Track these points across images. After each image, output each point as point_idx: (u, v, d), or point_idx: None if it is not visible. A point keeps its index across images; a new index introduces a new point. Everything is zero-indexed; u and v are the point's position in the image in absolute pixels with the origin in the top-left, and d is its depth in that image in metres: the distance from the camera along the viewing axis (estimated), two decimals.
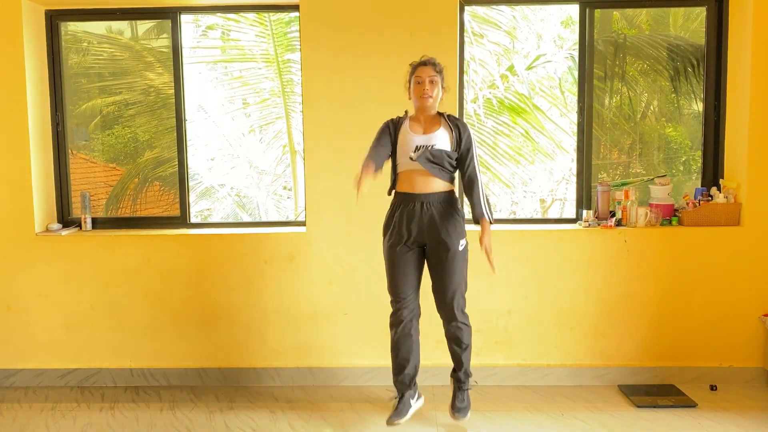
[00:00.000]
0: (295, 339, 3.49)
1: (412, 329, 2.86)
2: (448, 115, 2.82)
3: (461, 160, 2.77)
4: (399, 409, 2.85)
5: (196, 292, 3.49)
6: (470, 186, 2.78)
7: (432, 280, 2.84)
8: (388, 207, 2.88)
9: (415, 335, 2.88)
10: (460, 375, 2.93)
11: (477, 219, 2.79)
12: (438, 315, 2.89)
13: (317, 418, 3.08)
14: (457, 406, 2.90)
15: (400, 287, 2.81)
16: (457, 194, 2.89)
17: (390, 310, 2.92)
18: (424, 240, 2.77)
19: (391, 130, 2.79)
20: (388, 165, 2.83)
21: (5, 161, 3.45)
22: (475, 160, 2.79)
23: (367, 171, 2.56)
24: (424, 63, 2.77)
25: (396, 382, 2.92)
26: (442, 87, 2.79)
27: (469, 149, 2.76)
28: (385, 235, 2.86)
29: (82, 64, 3.96)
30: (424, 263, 2.87)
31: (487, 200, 2.83)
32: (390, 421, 2.83)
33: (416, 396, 2.93)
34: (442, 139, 2.74)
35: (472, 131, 2.83)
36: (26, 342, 3.54)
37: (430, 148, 2.70)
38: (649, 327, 3.42)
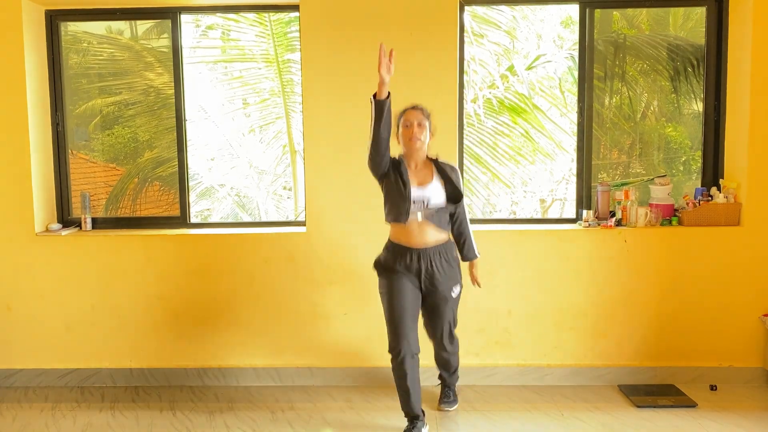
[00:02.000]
0: (295, 339, 3.49)
1: (415, 373, 2.75)
2: (437, 162, 2.81)
3: (451, 199, 2.78)
4: None
5: (196, 292, 3.50)
6: (462, 231, 2.90)
7: (423, 316, 2.93)
8: (382, 250, 2.87)
9: (416, 373, 2.77)
10: (448, 383, 3.18)
11: (469, 260, 2.97)
12: None
13: (317, 418, 3.08)
14: (444, 401, 3.15)
15: (402, 325, 2.71)
16: (452, 239, 2.90)
17: None
18: (420, 285, 2.80)
19: (395, 162, 2.76)
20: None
21: (5, 161, 3.45)
22: (464, 203, 2.86)
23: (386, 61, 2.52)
24: (412, 107, 2.77)
25: (410, 417, 2.82)
26: (430, 131, 2.79)
27: (459, 189, 2.79)
28: (380, 274, 2.86)
29: (82, 64, 3.96)
30: (420, 301, 2.84)
31: (472, 237, 2.95)
32: None
33: (425, 425, 2.85)
34: (436, 191, 2.73)
35: (458, 170, 2.86)
36: (26, 342, 3.54)
37: (426, 203, 2.71)
38: (649, 327, 3.43)
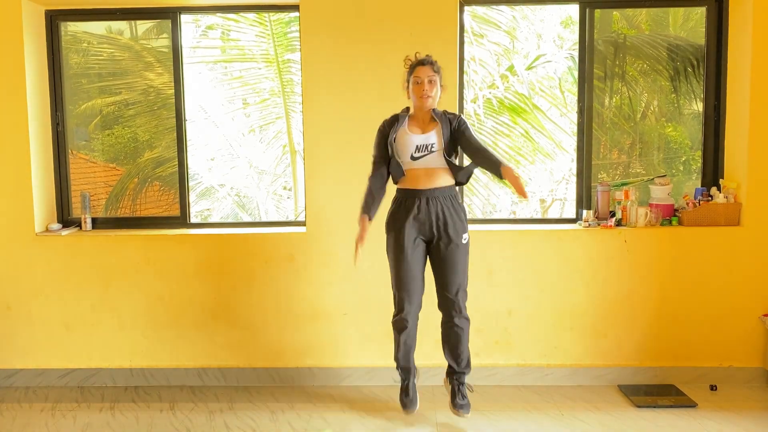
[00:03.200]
0: (295, 339, 3.49)
1: (415, 328, 2.92)
2: (442, 111, 2.85)
3: (461, 141, 2.79)
4: (411, 398, 2.96)
5: (196, 292, 3.49)
6: (479, 151, 2.73)
7: (436, 275, 2.86)
8: (390, 204, 2.89)
9: (415, 329, 2.93)
10: (458, 371, 2.96)
11: (499, 170, 2.61)
12: (436, 314, 2.90)
13: (317, 418, 3.08)
14: (458, 403, 2.90)
15: (407, 284, 2.81)
16: (457, 188, 2.91)
17: (391, 309, 2.93)
18: (429, 235, 2.80)
19: (388, 131, 2.83)
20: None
21: (5, 161, 3.45)
22: (475, 135, 2.82)
23: (363, 232, 2.77)
24: (421, 62, 2.78)
25: (402, 367, 2.98)
26: (441, 85, 2.82)
27: (464, 131, 2.79)
28: (388, 232, 2.87)
29: (82, 64, 3.96)
30: (426, 260, 2.88)
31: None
32: (409, 411, 2.95)
33: (416, 375, 3.05)
34: (439, 136, 2.77)
35: (464, 117, 2.87)
36: (26, 342, 3.54)
37: (431, 147, 2.75)
38: (649, 327, 3.43)
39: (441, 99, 2.86)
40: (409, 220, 2.77)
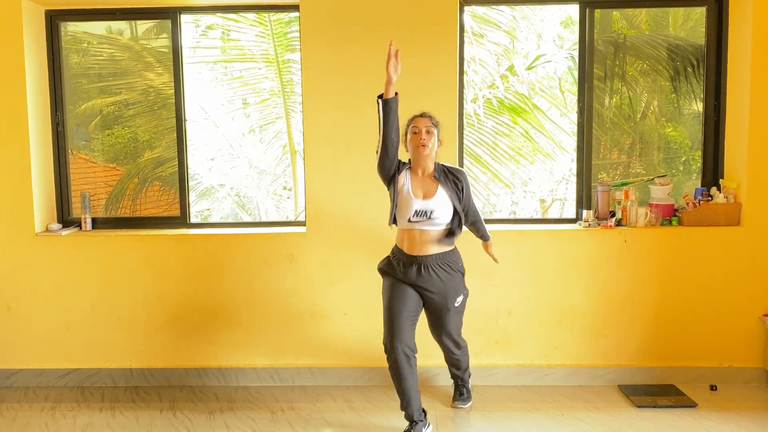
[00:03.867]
0: (295, 339, 3.49)
1: (410, 372, 2.72)
2: (444, 168, 2.79)
3: (464, 208, 2.79)
4: None
5: (196, 292, 3.49)
6: (475, 223, 2.93)
7: (428, 323, 2.97)
8: (390, 252, 2.89)
9: (413, 372, 2.74)
10: (458, 381, 3.21)
11: (482, 239, 3.06)
12: None
13: (317, 418, 3.08)
14: (458, 398, 3.18)
15: (396, 324, 2.68)
16: (456, 248, 2.87)
17: None
18: (424, 296, 2.81)
19: (395, 170, 2.76)
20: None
21: (5, 161, 3.45)
22: (473, 200, 2.85)
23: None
24: (420, 114, 2.78)
25: (410, 418, 2.78)
26: (438, 140, 2.80)
27: (469, 197, 2.82)
28: (383, 275, 2.89)
29: (82, 64, 3.96)
30: (420, 307, 2.85)
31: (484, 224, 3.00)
32: None
33: (427, 425, 2.84)
34: (440, 203, 2.71)
35: (467, 177, 2.84)
36: (26, 342, 3.54)
37: (430, 214, 2.70)
38: (649, 327, 3.42)
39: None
40: (407, 278, 2.77)
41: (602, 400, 3.24)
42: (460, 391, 3.19)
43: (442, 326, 2.89)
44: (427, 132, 2.72)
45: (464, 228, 2.86)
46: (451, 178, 2.78)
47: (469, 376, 3.24)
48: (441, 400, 3.24)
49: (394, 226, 2.82)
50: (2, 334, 3.54)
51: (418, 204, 2.70)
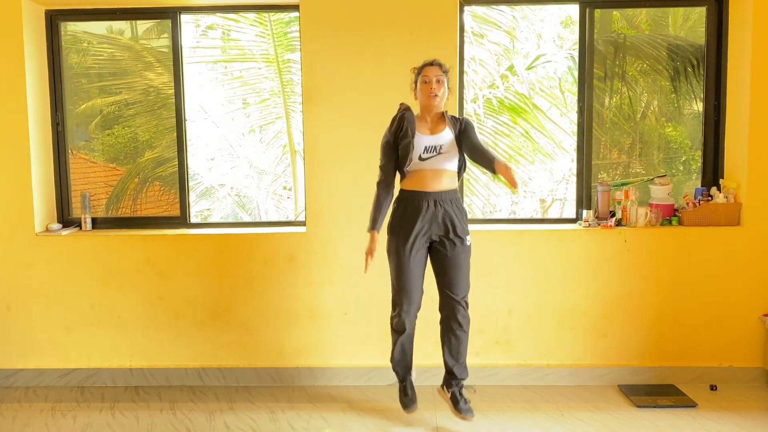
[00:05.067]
0: (295, 339, 3.49)
1: (412, 331, 2.93)
2: (450, 115, 2.88)
3: (464, 141, 2.80)
4: (411, 397, 2.97)
5: (196, 292, 3.49)
6: (477, 150, 2.78)
7: (440, 275, 2.86)
8: (393, 205, 2.88)
9: (413, 332, 2.95)
10: (457, 374, 2.92)
11: (493, 165, 2.70)
12: (436, 315, 2.90)
13: (317, 418, 3.08)
14: (463, 408, 2.89)
15: (408, 288, 2.81)
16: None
17: (389, 308, 2.92)
18: (434, 235, 2.80)
19: (392, 138, 2.81)
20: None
21: (5, 161, 3.45)
22: (478, 137, 2.85)
23: (372, 245, 2.80)
24: (430, 63, 2.81)
25: (398, 367, 2.98)
26: (448, 87, 2.83)
27: (469, 132, 2.82)
28: (392, 234, 2.86)
29: (82, 64, 3.96)
30: (427, 262, 2.89)
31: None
32: (410, 410, 2.96)
33: (414, 374, 3.04)
34: (448, 138, 2.79)
35: (469, 120, 2.89)
36: (26, 342, 3.54)
37: (439, 149, 2.76)
38: (649, 327, 3.42)
39: (448, 82, 2.85)
40: (417, 223, 2.77)
41: (602, 400, 3.24)
42: (461, 396, 2.91)
43: (459, 268, 2.81)
44: (438, 81, 2.77)
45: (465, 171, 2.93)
46: (456, 122, 2.85)
47: (466, 375, 2.95)
48: (440, 401, 3.23)
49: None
50: (2, 334, 3.54)
51: (428, 140, 2.77)
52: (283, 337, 3.49)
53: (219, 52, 5.76)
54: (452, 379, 2.93)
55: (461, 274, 2.83)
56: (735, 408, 3.12)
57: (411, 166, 2.78)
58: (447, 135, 2.80)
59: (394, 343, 2.94)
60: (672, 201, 3.52)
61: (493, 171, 2.70)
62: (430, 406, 3.15)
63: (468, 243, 2.85)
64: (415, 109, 2.86)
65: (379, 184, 2.85)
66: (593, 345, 3.45)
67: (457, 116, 2.90)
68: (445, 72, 2.81)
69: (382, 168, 2.85)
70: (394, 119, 2.83)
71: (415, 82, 2.84)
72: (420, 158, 2.75)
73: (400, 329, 2.88)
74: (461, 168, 2.88)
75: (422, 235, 2.79)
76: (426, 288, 2.89)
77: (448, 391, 2.94)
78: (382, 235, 2.89)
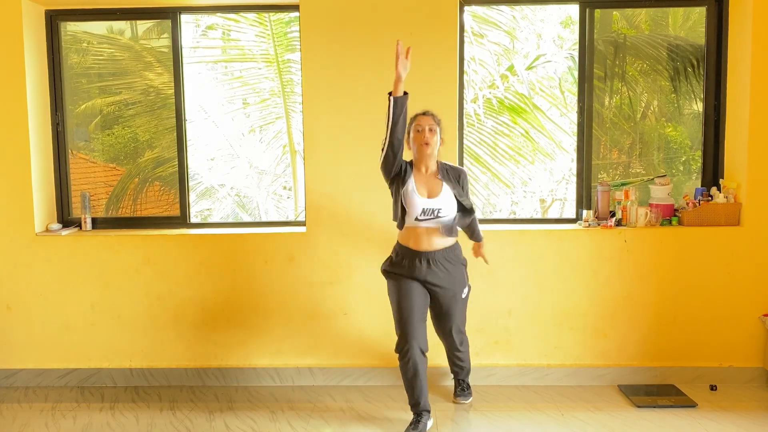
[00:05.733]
0: (295, 339, 3.49)
1: (423, 367, 2.80)
2: (446, 168, 2.84)
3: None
4: (420, 430, 2.81)
5: (196, 292, 3.50)
6: (471, 224, 2.93)
7: (434, 319, 2.96)
8: (392, 251, 2.89)
9: (424, 368, 2.82)
10: (464, 374, 3.22)
11: (475, 240, 3.08)
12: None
13: (317, 418, 3.08)
14: (459, 395, 3.22)
15: (411, 320, 2.75)
16: (458, 242, 2.90)
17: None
18: (430, 286, 2.82)
19: (402, 168, 2.79)
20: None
21: (5, 161, 3.45)
22: (470, 199, 2.89)
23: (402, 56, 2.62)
24: (423, 113, 2.81)
25: (416, 407, 2.84)
26: (441, 138, 2.82)
27: (467, 195, 2.87)
28: (388, 277, 2.89)
29: (82, 64, 3.95)
30: (428, 300, 2.87)
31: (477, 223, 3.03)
32: None
33: (430, 418, 2.91)
34: (446, 202, 2.75)
35: (466, 172, 2.91)
36: (26, 342, 3.54)
37: (437, 212, 2.74)
38: (649, 327, 3.42)
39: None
40: (410, 273, 2.79)
41: (602, 400, 3.24)
42: (462, 386, 3.23)
43: (450, 319, 2.90)
44: (430, 130, 2.76)
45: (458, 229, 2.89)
46: (453, 175, 2.83)
47: (468, 373, 3.24)
48: (441, 400, 3.24)
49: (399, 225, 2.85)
50: (2, 334, 3.54)
51: (425, 203, 2.74)
52: (283, 337, 3.49)
53: (219, 52, 5.76)
54: (456, 375, 3.22)
55: (454, 322, 2.92)
56: (735, 408, 3.12)
57: (407, 224, 2.78)
58: (444, 196, 2.75)
59: (408, 384, 2.81)
60: (672, 201, 3.52)
61: (473, 240, 3.06)
62: (445, 399, 3.15)
63: (464, 296, 2.89)
64: (408, 156, 2.87)
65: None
66: (593, 345, 3.45)
67: (451, 167, 2.87)
68: (438, 122, 2.81)
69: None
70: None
71: (408, 131, 2.81)
72: (416, 219, 2.74)
73: (408, 371, 2.77)
74: (457, 216, 2.81)
75: (419, 281, 2.81)
76: None
77: (453, 380, 3.27)
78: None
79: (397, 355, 2.80)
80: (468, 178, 2.90)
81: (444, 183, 2.78)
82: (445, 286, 2.81)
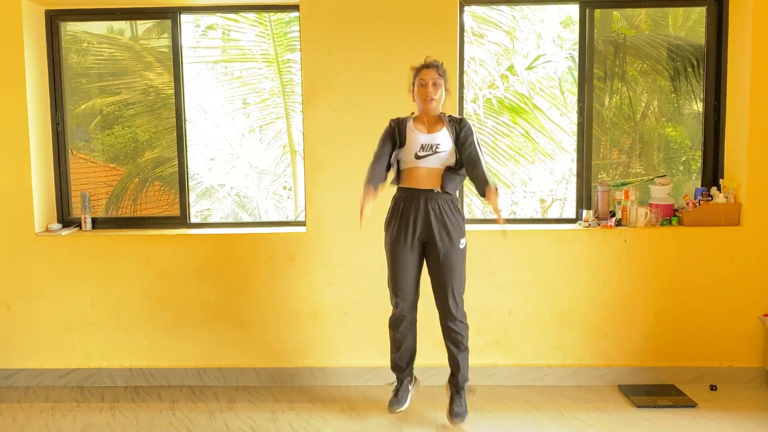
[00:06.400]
0: (295, 339, 3.49)
1: (411, 327, 2.94)
2: (449, 116, 2.85)
3: (461, 148, 2.76)
4: (399, 397, 2.95)
5: (196, 292, 3.49)
6: (473, 164, 2.74)
7: (432, 278, 2.86)
8: (390, 201, 2.88)
9: (413, 330, 2.96)
10: (458, 379, 2.94)
11: (483, 188, 2.69)
12: (435, 315, 2.90)
13: (317, 418, 3.08)
14: (455, 411, 2.88)
15: (400, 282, 2.83)
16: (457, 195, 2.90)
17: (389, 309, 2.93)
18: (426, 236, 2.79)
19: (395, 132, 2.82)
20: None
21: (5, 161, 3.45)
22: (476, 145, 2.78)
23: (367, 197, 2.64)
24: (427, 66, 2.79)
25: (395, 369, 3.00)
26: (446, 89, 2.81)
27: (467, 137, 2.77)
28: (387, 230, 2.88)
29: (82, 64, 3.96)
30: (423, 262, 2.89)
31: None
32: (392, 410, 2.93)
33: (413, 381, 3.05)
34: (444, 138, 2.77)
35: (471, 124, 2.85)
36: (26, 342, 3.54)
37: (436, 147, 2.74)
38: (649, 327, 3.42)
39: (445, 102, 2.86)
40: (410, 220, 2.77)
41: (602, 400, 3.24)
42: (456, 401, 2.91)
43: (450, 270, 2.76)
44: (434, 84, 2.75)
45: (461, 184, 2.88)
46: (454, 124, 2.80)
47: (467, 380, 2.96)
48: (441, 399, 3.23)
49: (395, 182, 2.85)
50: (2, 334, 3.54)
51: (424, 138, 2.75)
52: (283, 337, 3.50)
53: (219, 52, 5.76)
54: (453, 379, 2.97)
55: (453, 277, 2.79)
56: (735, 408, 3.12)
57: (406, 164, 2.78)
58: (444, 136, 2.77)
59: (393, 341, 2.97)
60: (672, 201, 3.52)
61: (482, 194, 2.70)
62: (429, 406, 3.15)
63: (462, 246, 2.80)
64: (413, 108, 2.87)
65: (370, 165, 2.79)
66: (593, 345, 3.45)
67: (457, 116, 2.87)
68: (443, 74, 2.78)
69: (375, 155, 2.80)
70: (396, 119, 2.86)
71: (413, 84, 2.82)
72: (416, 156, 2.75)
73: (396, 324, 2.90)
74: (459, 171, 2.78)
75: (415, 232, 2.77)
76: (424, 287, 2.89)
77: (449, 391, 2.98)
78: (379, 229, 2.91)
79: (389, 321, 2.93)
80: (473, 128, 2.81)
81: (444, 125, 2.78)
82: (443, 230, 2.74)
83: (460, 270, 2.82)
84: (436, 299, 2.87)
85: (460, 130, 2.78)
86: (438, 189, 2.75)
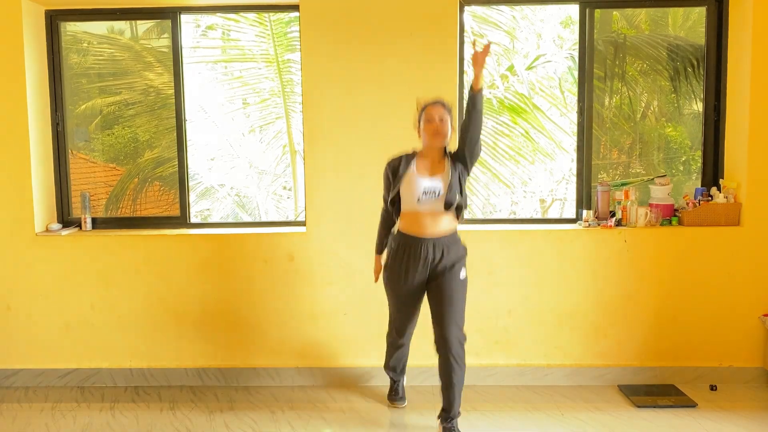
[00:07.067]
0: (295, 339, 3.49)
1: (408, 347, 3.14)
2: (452, 153, 2.80)
3: (462, 144, 2.74)
4: (402, 396, 3.23)
5: (196, 292, 3.49)
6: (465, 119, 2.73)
7: (432, 310, 2.79)
8: (392, 243, 2.86)
9: (408, 347, 3.15)
10: (448, 416, 2.78)
11: (470, 91, 2.67)
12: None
13: (317, 418, 3.08)
14: None
15: (402, 325, 2.97)
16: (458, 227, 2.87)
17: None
18: (431, 273, 2.77)
19: (390, 179, 2.80)
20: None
21: (5, 161, 3.45)
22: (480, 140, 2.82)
23: (378, 264, 3.00)
24: (433, 103, 2.76)
25: (390, 371, 3.20)
26: (451, 125, 2.78)
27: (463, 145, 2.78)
28: (387, 271, 2.86)
29: (82, 64, 3.96)
30: (424, 296, 2.87)
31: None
32: (397, 405, 3.20)
33: (404, 377, 3.28)
34: (448, 180, 2.71)
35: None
36: (26, 342, 3.54)
37: (438, 192, 2.70)
38: (649, 327, 3.42)
39: (451, 120, 2.83)
40: (412, 268, 2.75)
41: (602, 400, 3.24)
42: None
43: (450, 302, 2.71)
44: (441, 120, 2.72)
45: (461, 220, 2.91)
46: (455, 159, 2.76)
47: (458, 416, 2.80)
48: (440, 401, 3.23)
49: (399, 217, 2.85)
50: (2, 334, 3.54)
51: (427, 183, 2.70)
52: (283, 337, 3.50)
53: (219, 52, 5.76)
54: (444, 413, 2.79)
55: (454, 309, 2.72)
56: (735, 408, 3.12)
57: (407, 206, 2.74)
58: (446, 179, 2.70)
59: (389, 355, 3.14)
60: (672, 201, 3.52)
61: (473, 91, 2.63)
62: (429, 406, 3.15)
63: (462, 277, 2.77)
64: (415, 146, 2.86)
65: (382, 214, 2.95)
66: (593, 345, 3.45)
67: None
68: (448, 110, 2.76)
69: (385, 200, 2.88)
70: (399, 158, 2.81)
71: (419, 121, 2.78)
72: (418, 200, 2.70)
73: (396, 347, 3.08)
74: (461, 208, 2.77)
75: (416, 276, 2.77)
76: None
77: (441, 426, 2.79)
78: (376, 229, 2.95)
79: (388, 338, 3.09)
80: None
81: (448, 164, 2.73)
82: (446, 263, 2.72)
83: (460, 302, 2.76)
84: (435, 332, 2.76)
85: (461, 149, 2.75)
86: (439, 236, 2.74)
